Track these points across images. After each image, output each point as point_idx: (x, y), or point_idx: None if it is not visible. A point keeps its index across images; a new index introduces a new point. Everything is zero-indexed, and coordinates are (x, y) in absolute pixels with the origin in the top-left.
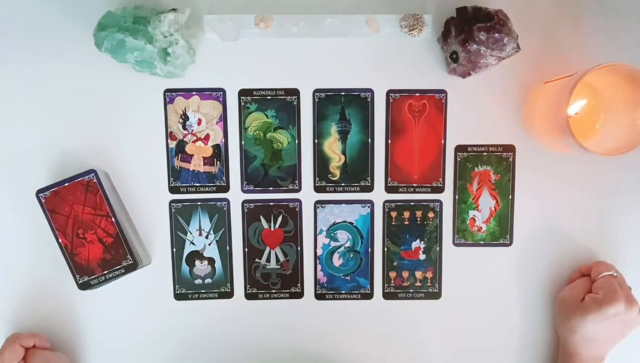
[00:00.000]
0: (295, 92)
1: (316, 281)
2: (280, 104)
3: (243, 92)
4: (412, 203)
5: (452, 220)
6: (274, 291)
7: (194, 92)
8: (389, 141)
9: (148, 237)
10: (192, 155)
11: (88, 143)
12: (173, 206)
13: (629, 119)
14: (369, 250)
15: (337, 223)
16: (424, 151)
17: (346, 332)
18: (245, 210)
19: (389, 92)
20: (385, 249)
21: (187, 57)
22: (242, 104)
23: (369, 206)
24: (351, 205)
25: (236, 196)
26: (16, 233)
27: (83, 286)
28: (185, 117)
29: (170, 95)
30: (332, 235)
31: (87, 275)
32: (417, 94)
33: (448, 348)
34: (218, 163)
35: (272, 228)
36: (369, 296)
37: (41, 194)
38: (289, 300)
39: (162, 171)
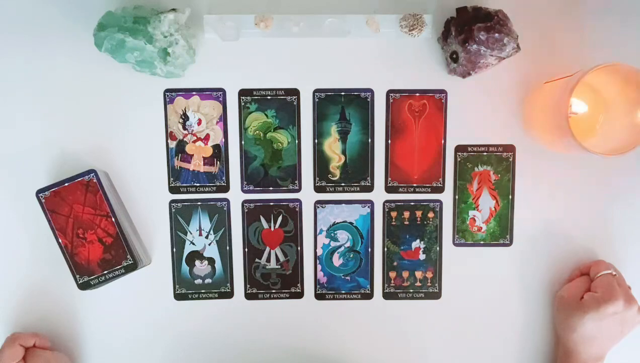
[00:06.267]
0: (295, 92)
1: (316, 281)
2: (280, 104)
3: (243, 92)
4: (412, 203)
5: (452, 220)
6: (274, 291)
7: (194, 92)
8: (389, 141)
9: (148, 237)
10: (192, 155)
11: (88, 143)
12: (173, 206)
13: (629, 119)
14: (369, 250)
15: (337, 223)
16: (424, 151)
17: (346, 332)
18: (245, 210)
19: (389, 92)
20: (385, 249)
21: (187, 57)
22: (242, 104)
23: (369, 206)
24: (351, 205)
25: (236, 196)
26: (16, 233)
27: (83, 286)
28: (185, 117)
29: (170, 95)
30: (332, 235)
31: (87, 275)
32: (417, 94)
33: (448, 348)
34: (218, 163)
35: (272, 228)
36: (369, 296)
37: (41, 194)
38: (289, 300)
39: (162, 171)
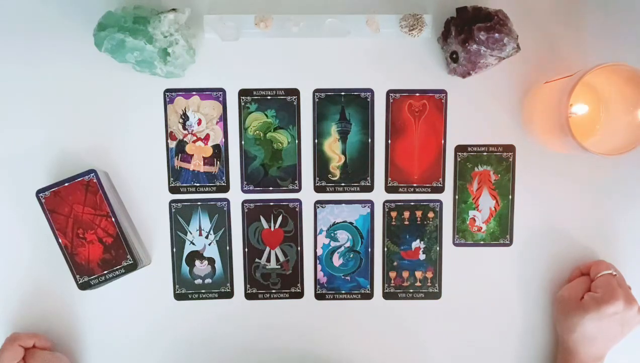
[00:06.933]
0: (295, 92)
1: (316, 281)
2: (280, 104)
3: (243, 92)
4: (412, 203)
5: (452, 220)
6: (274, 291)
7: (194, 92)
8: (389, 141)
9: (148, 237)
10: (192, 155)
11: (88, 143)
12: (173, 206)
13: (628, 119)
14: (369, 250)
15: (337, 223)
16: (424, 151)
17: (346, 332)
18: (245, 210)
19: (389, 92)
20: (385, 249)
21: (187, 57)
22: (242, 104)
23: (369, 206)
24: (351, 205)
25: (236, 196)
26: (16, 233)
27: (83, 286)
28: (185, 117)
29: (170, 95)
30: (332, 235)
31: (87, 275)
32: (417, 94)
33: (448, 348)
34: (218, 163)
35: (272, 228)
36: (369, 296)
37: (41, 194)
38: (289, 300)
39: (162, 171)
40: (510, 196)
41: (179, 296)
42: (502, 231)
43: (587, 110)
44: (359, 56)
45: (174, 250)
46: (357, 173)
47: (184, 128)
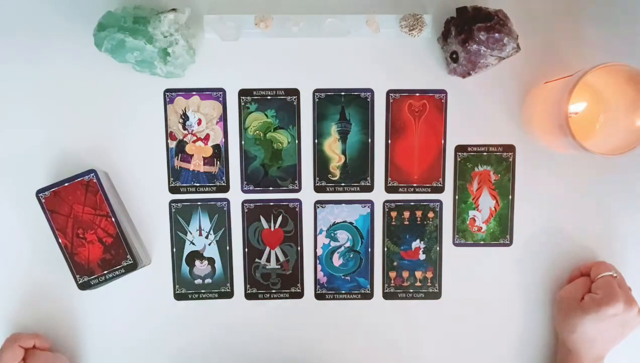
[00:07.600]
0: (295, 92)
1: (316, 281)
2: (280, 104)
3: (243, 92)
4: (412, 203)
5: (452, 220)
6: (274, 291)
7: (194, 92)
8: (389, 141)
9: (148, 237)
10: (192, 155)
11: (88, 143)
12: (173, 206)
13: (628, 119)
14: (369, 250)
15: (337, 223)
16: (424, 151)
17: (346, 332)
18: (245, 210)
19: (389, 92)
20: (385, 249)
21: (187, 57)
22: (242, 104)
23: (369, 206)
24: (351, 205)
25: (236, 196)
26: (16, 233)
27: (83, 286)
28: (185, 117)
29: (170, 95)
30: (332, 235)
31: (87, 275)
32: (417, 94)
33: (448, 348)
34: (218, 163)
35: (272, 228)
36: (369, 296)
37: (41, 194)
38: (289, 300)
39: (162, 171)
40: (510, 196)
41: (178, 296)
42: (502, 231)
43: (586, 106)
44: (359, 56)
45: (174, 250)
46: (357, 173)
47: (184, 128)
